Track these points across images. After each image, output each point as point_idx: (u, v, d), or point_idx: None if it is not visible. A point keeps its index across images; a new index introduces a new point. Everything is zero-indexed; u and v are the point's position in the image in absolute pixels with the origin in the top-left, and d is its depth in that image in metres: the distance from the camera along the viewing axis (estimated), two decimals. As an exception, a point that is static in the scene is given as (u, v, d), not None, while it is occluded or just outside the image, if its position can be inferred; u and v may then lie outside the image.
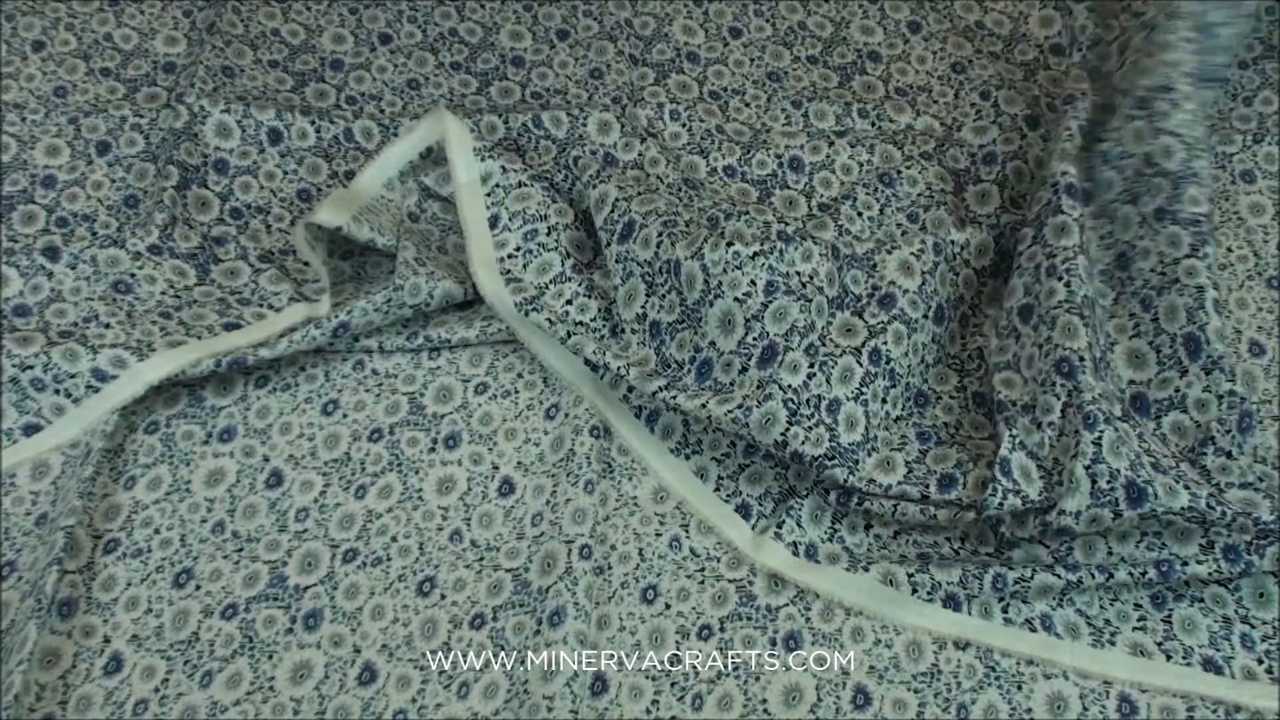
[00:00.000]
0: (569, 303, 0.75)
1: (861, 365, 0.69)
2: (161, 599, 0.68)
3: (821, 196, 0.84)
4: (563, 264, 0.76)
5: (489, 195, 0.78)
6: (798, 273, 0.70)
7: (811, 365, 0.68)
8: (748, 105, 0.90)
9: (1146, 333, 0.72)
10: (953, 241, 0.76)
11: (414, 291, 0.74)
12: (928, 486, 0.66)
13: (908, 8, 0.97)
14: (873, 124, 0.89)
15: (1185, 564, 0.65)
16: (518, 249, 0.77)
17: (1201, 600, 0.66)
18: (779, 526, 0.68)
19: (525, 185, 0.78)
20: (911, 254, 0.73)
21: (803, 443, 0.67)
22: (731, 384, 0.70)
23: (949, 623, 0.65)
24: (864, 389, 0.69)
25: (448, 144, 0.79)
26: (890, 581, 0.66)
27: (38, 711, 0.63)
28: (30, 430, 0.73)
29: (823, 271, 0.71)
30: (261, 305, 0.79)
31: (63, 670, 0.65)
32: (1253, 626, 0.66)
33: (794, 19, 0.97)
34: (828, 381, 0.68)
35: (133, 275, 0.78)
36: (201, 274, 0.80)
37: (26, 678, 0.62)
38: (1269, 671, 0.64)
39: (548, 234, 0.77)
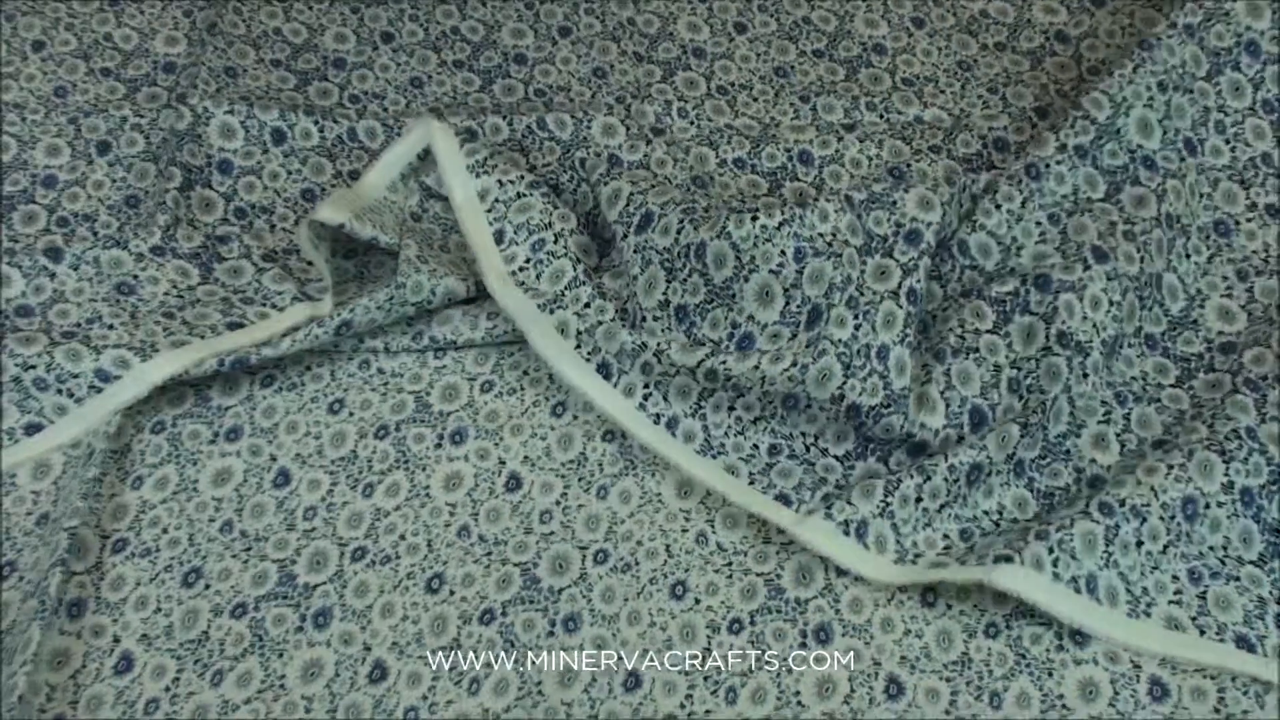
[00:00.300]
0: (586, 306, 0.74)
1: (901, 307, 0.71)
2: (170, 598, 0.66)
3: (831, 189, 0.83)
4: (574, 269, 0.75)
5: (489, 211, 0.78)
6: (820, 234, 0.71)
7: (856, 316, 0.70)
8: (755, 100, 0.90)
9: (1239, 298, 0.79)
10: (967, 174, 0.79)
11: (416, 289, 0.73)
12: (962, 427, 0.69)
13: (910, 2, 0.97)
14: (881, 116, 0.89)
15: (1208, 506, 0.66)
16: (528, 260, 0.76)
17: (1238, 579, 0.66)
18: (828, 506, 0.67)
19: (524, 195, 0.78)
20: (928, 188, 0.75)
21: (860, 394, 0.68)
22: (779, 351, 0.70)
23: (1003, 575, 0.63)
24: (907, 330, 0.70)
25: (439, 163, 0.79)
26: (940, 566, 0.66)
27: (48, 712, 0.61)
28: (32, 430, 0.71)
29: (844, 225, 0.72)
30: (265, 305, 0.78)
31: (73, 670, 0.63)
32: (1287, 609, 0.65)
33: (798, 13, 0.97)
34: (873, 329, 0.70)
35: (135, 277, 0.77)
36: (204, 273, 0.79)
37: (31, 679, 0.60)
38: (1303, 652, 0.64)
39: (555, 241, 0.76)
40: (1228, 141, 0.83)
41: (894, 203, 0.74)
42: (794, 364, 0.68)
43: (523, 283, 0.75)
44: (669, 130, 0.86)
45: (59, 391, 0.71)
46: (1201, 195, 0.82)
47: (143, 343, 0.73)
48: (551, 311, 0.74)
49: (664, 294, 0.73)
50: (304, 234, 0.76)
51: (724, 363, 0.69)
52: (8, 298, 0.75)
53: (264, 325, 0.76)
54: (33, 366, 0.71)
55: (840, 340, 0.69)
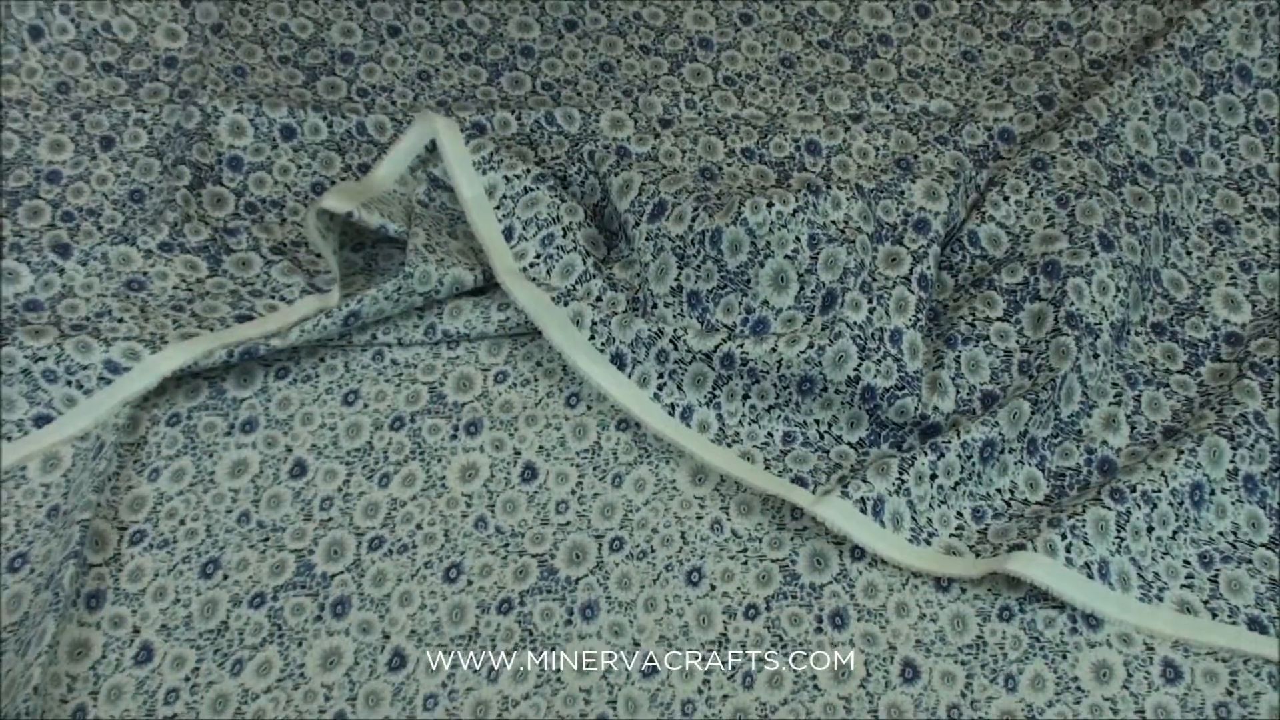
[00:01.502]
0: (598, 299, 0.74)
1: (913, 292, 0.72)
2: (189, 589, 0.66)
3: (841, 179, 0.84)
4: (584, 262, 0.76)
5: (498, 208, 0.78)
6: (833, 221, 0.72)
7: (870, 300, 0.71)
8: (762, 91, 0.91)
9: (1243, 287, 0.81)
10: (974, 165, 0.82)
11: (424, 279, 0.74)
12: (974, 411, 0.71)
13: (914, -8, 0.98)
14: (887, 107, 0.89)
15: (1213, 492, 0.67)
16: (538, 256, 0.76)
17: (1249, 562, 0.67)
18: (845, 486, 0.68)
19: (531, 190, 0.78)
20: (933, 179, 0.77)
21: (875, 376, 0.69)
22: (795, 334, 0.71)
23: (1017, 561, 0.63)
24: (919, 315, 0.72)
25: (446, 161, 0.79)
26: (953, 552, 0.66)
27: (69, 703, 0.61)
28: (41, 421, 0.71)
29: (855, 212, 0.73)
30: (273, 297, 0.78)
31: (93, 661, 0.63)
32: (1300, 591, 0.66)
33: (803, 4, 0.97)
34: (887, 313, 0.71)
35: (145, 274, 0.77)
36: (213, 265, 0.79)
37: (47, 670, 0.60)
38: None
39: (564, 235, 0.76)
40: (1223, 156, 0.86)
41: (902, 193, 0.76)
42: (810, 346, 0.69)
43: (534, 279, 0.75)
44: (677, 121, 0.87)
45: (68, 383, 0.71)
46: (1200, 201, 0.84)
47: (152, 335, 0.73)
48: (565, 304, 0.74)
49: (676, 280, 0.73)
50: (312, 225, 0.76)
51: (740, 346, 0.70)
52: (16, 293, 0.75)
53: (273, 317, 0.77)
54: (42, 358, 0.71)
55: (855, 323, 0.70)
